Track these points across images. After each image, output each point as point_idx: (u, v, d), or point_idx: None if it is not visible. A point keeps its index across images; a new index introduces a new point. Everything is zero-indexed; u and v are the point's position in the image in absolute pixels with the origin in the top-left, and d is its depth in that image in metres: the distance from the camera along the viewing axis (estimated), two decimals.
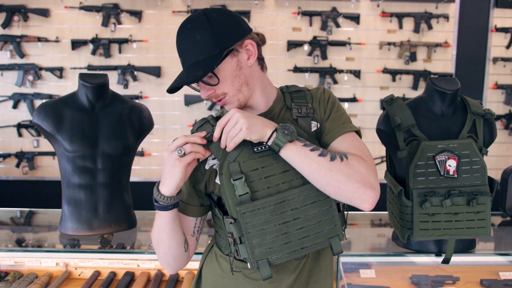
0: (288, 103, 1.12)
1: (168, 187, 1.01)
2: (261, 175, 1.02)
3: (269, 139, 1.00)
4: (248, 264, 1.05)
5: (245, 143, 1.02)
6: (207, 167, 1.10)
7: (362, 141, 1.10)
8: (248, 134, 0.98)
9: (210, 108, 3.68)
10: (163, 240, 1.09)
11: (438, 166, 1.41)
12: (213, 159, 1.09)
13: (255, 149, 1.02)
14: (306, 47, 3.62)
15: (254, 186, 1.01)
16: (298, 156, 0.99)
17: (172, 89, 1.05)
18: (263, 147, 1.03)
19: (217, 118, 1.14)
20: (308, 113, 1.09)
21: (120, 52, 3.59)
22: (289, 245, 1.03)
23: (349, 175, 0.97)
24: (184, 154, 0.99)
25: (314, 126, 1.10)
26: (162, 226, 1.07)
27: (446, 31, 3.66)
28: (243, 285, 1.13)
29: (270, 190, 1.02)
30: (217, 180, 1.09)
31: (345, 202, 1.02)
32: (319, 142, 1.10)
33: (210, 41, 1.01)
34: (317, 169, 0.97)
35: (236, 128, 0.99)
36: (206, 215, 1.19)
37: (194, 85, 1.08)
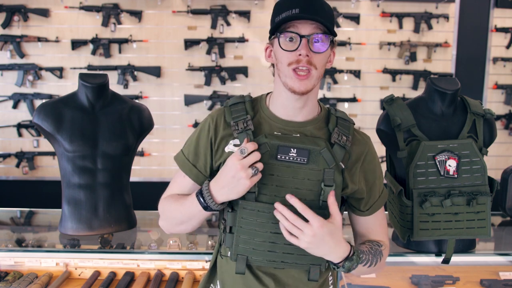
0: (332, 126, 1.09)
1: (225, 197, 1.00)
2: (274, 182, 1.02)
3: (340, 262, 1.02)
4: (229, 252, 1.07)
5: (271, 146, 1.02)
6: (226, 149, 1.09)
7: (385, 215, 1.20)
8: (306, 249, 0.98)
9: (210, 109, 3.67)
10: (190, 224, 1.11)
11: (438, 166, 1.41)
12: (234, 145, 1.08)
13: (279, 156, 1.02)
14: None
15: (262, 189, 1.02)
16: (352, 271, 1.05)
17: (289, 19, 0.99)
18: (287, 157, 1.02)
19: (252, 101, 1.13)
20: (345, 145, 1.06)
21: (120, 52, 3.58)
22: (271, 254, 1.04)
23: (378, 269, 1.13)
24: (256, 173, 0.97)
25: (341, 165, 1.07)
26: (196, 217, 1.07)
27: (446, 31, 3.66)
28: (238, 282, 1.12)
29: (276, 198, 1.01)
30: None
31: None
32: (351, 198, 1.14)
33: (332, 17, 1.04)
34: (363, 272, 1.09)
35: (298, 233, 0.96)
36: None
37: (283, 39, 1.01)
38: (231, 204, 1.05)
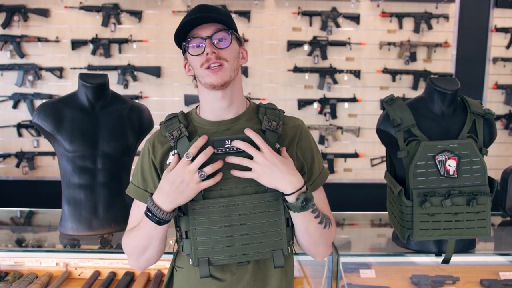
0: (261, 116, 1.14)
1: (173, 204, 1.01)
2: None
3: (289, 195, 1.02)
4: (190, 260, 1.08)
5: (206, 144, 1.04)
6: (168, 162, 1.11)
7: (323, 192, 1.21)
8: (256, 178, 1.02)
9: None
10: (153, 247, 1.09)
11: (438, 166, 1.41)
12: (173, 155, 1.10)
13: (216, 151, 1.05)
14: (306, 47, 3.61)
15: None
16: (305, 221, 1.06)
17: (190, 23, 1.06)
18: (223, 150, 1.05)
19: (186, 114, 1.16)
20: (276, 129, 1.10)
21: (120, 52, 3.58)
22: (231, 249, 1.05)
23: (328, 241, 1.14)
24: (204, 177, 1.00)
25: (277, 145, 1.10)
26: (155, 236, 1.07)
27: (446, 31, 3.66)
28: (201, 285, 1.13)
29: (222, 192, 1.05)
30: None
31: (308, 254, 1.16)
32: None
33: (229, 17, 1.10)
34: (313, 233, 1.09)
35: (249, 162, 1.01)
36: None
37: (191, 47, 1.07)
38: (180, 209, 1.07)
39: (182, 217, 1.07)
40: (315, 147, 1.19)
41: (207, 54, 1.05)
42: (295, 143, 1.13)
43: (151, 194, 1.04)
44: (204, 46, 1.06)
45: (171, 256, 1.25)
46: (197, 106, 1.20)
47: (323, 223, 1.09)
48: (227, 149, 1.05)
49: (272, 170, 1.00)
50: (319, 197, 1.17)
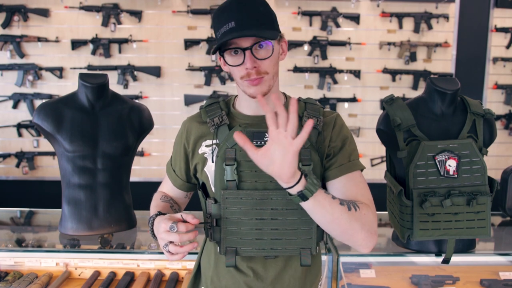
0: (300, 111, 1.11)
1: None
2: (253, 168, 1.02)
3: (296, 184, 0.91)
4: (218, 248, 1.09)
5: (246, 134, 1.04)
6: (200, 151, 1.12)
7: (365, 181, 1.10)
8: (263, 152, 0.92)
9: None
10: None
11: (438, 166, 1.41)
12: (206, 146, 1.11)
13: (254, 142, 1.04)
14: (306, 47, 3.61)
15: (243, 176, 1.04)
16: (323, 204, 0.94)
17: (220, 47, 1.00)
18: (262, 142, 1.05)
19: (227, 102, 1.17)
20: (317, 126, 1.09)
21: (120, 52, 3.58)
22: (260, 242, 1.06)
23: (363, 225, 0.99)
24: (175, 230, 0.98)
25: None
26: None
27: (446, 31, 3.66)
28: (226, 279, 1.13)
29: (256, 184, 1.05)
30: (206, 169, 1.11)
31: (349, 245, 1.03)
32: (323, 168, 1.09)
33: (270, 16, 1.03)
34: (338, 218, 0.96)
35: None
36: None
37: (229, 55, 1.01)
38: (213, 197, 1.08)
39: (214, 205, 1.06)
40: (349, 137, 1.13)
41: (247, 68, 1.00)
42: (329, 138, 1.11)
43: (159, 214, 1.09)
44: (243, 56, 0.99)
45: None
46: (236, 96, 1.17)
47: (345, 205, 0.98)
48: (266, 142, 0.99)
49: (275, 152, 0.88)
50: (351, 181, 1.07)
